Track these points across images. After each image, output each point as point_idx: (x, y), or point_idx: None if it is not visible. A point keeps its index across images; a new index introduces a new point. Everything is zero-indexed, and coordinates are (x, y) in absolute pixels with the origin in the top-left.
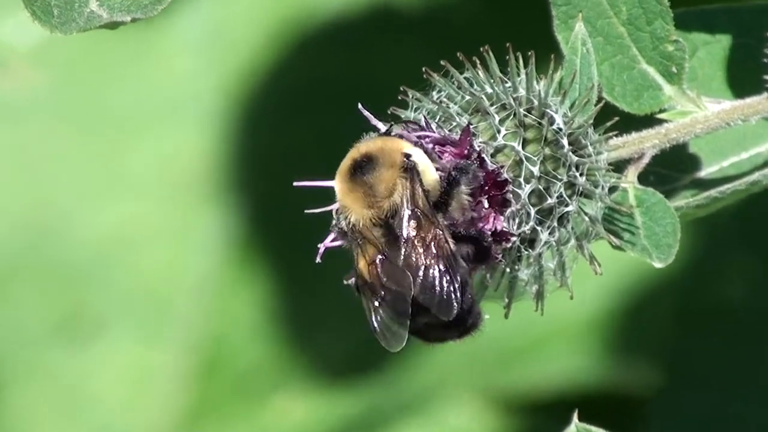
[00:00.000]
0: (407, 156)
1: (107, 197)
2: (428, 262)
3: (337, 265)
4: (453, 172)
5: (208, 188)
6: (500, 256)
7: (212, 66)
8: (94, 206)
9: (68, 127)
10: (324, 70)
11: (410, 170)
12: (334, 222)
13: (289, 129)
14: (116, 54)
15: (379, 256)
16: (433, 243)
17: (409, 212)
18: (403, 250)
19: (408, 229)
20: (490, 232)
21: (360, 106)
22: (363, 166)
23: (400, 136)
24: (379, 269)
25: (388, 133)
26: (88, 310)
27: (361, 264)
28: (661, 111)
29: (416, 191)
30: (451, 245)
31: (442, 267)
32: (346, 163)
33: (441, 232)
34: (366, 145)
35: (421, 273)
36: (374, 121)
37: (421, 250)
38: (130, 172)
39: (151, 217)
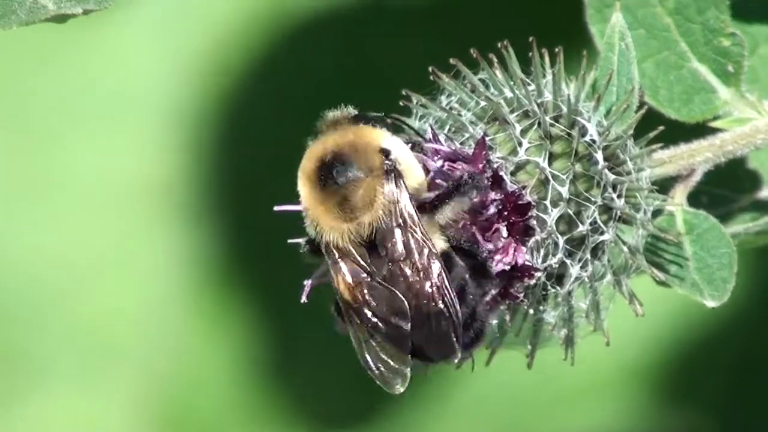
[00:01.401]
0: (386, 154)
1: (43, 214)
2: (422, 293)
3: (323, 295)
4: (466, 179)
5: (167, 204)
6: (522, 294)
7: (176, 58)
8: (26, 224)
9: None
10: (312, 64)
11: (391, 173)
12: (305, 242)
13: (270, 134)
14: (55, 40)
15: (363, 276)
16: (426, 270)
17: (396, 230)
18: (389, 272)
19: (395, 250)
20: (508, 266)
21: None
22: (333, 170)
23: (373, 123)
24: (365, 293)
25: (357, 119)
26: (19, 355)
27: (341, 285)
28: (715, 118)
29: (402, 204)
30: (444, 274)
31: (440, 305)
32: (311, 164)
33: (434, 254)
34: (333, 139)
35: (412, 306)
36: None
37: (412, 278)
38: (72, 184)
39: (97, 238)
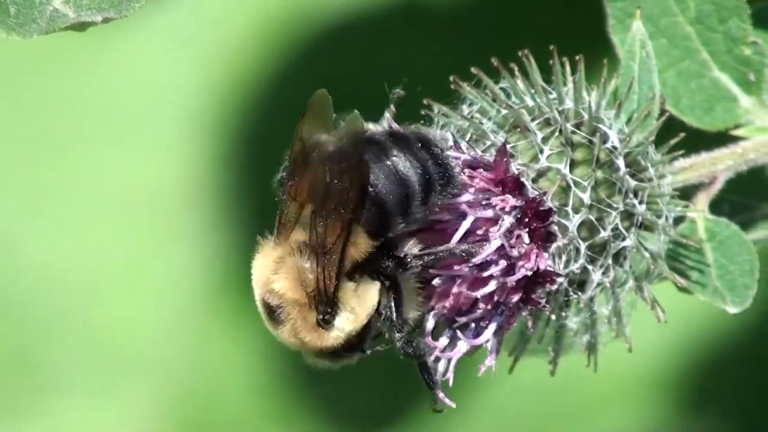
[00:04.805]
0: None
1: (61, 224)
2: None
3: None
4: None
5: (185, 215)
6: (544, 300)
7: (195, 65)
8: (44, 235)
9: (14, 139)
10: (332, 71)
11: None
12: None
13: (290, 141)
14: (73, 51)
15: None
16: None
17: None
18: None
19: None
20: (530, 272)
21: (387, 113)
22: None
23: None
24: None
25: None
26: (35, 365)
27: None
28: (737, 127)
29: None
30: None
31: None
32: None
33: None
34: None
35: None
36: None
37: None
38: (89, 192)
39: (115, 246)
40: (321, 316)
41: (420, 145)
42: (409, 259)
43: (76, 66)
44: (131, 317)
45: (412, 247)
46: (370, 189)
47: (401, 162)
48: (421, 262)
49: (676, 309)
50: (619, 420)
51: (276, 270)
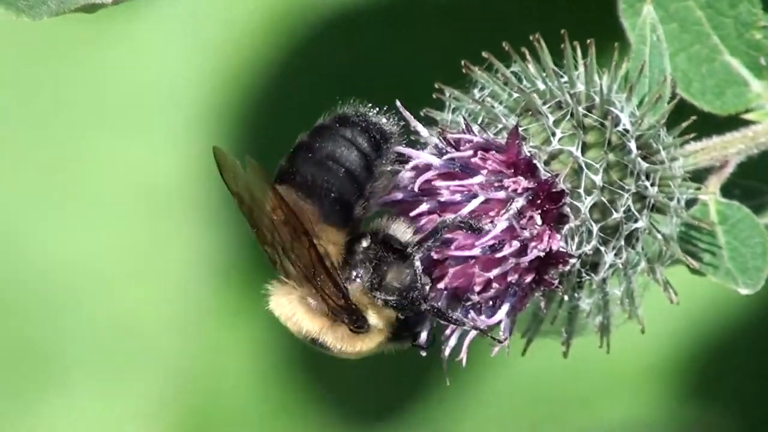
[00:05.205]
0: None
1: (66, 214)
2: None
3: None
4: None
5: (190, 205)
6: (557, 282)
7: (197, 59)
8: (49, 225)
9: (20, 133)
10: (338, 59)
11: None
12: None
13: (295, 131)
14: (76, 40)
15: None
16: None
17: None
18: None
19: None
20: (543, 253)
21: (398, 103)
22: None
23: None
24: None
25: None
26: (40, 356)
27: None
28: (748, 111)
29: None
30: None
31: None
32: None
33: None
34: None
35: None
36: (414, 124)
37: None
38: (95, 184)
39: (120, 237)
40: (352, 326)
41: (338, 125)
42: (410, 250)
43: (78, 60)
44: (134, 311)
45: (405, 234)
46: (317, 188)
47: (328, 151)
48: (423, 249)
49: (681, 300)
50: (623, 411)
51: (292, 311)
